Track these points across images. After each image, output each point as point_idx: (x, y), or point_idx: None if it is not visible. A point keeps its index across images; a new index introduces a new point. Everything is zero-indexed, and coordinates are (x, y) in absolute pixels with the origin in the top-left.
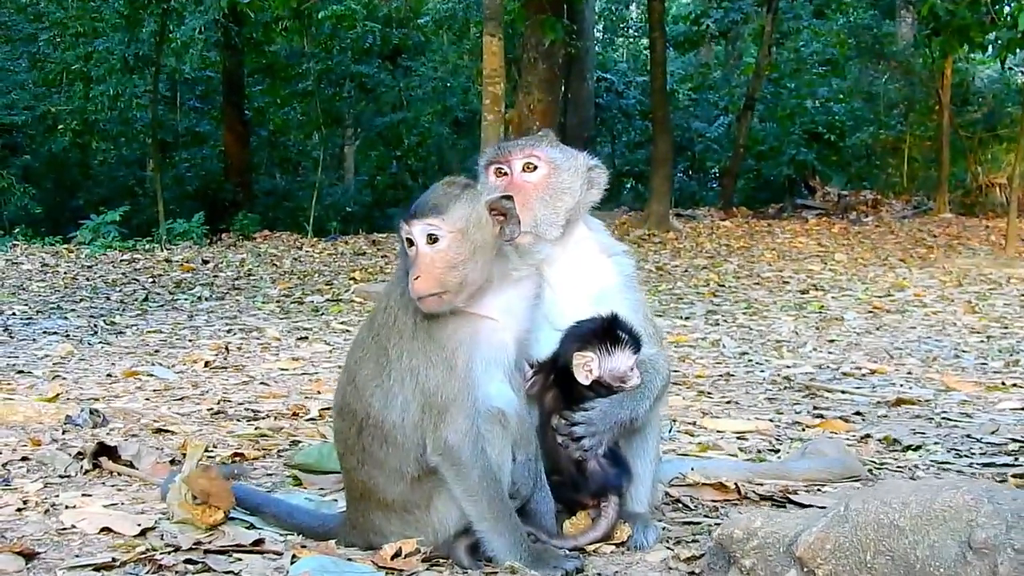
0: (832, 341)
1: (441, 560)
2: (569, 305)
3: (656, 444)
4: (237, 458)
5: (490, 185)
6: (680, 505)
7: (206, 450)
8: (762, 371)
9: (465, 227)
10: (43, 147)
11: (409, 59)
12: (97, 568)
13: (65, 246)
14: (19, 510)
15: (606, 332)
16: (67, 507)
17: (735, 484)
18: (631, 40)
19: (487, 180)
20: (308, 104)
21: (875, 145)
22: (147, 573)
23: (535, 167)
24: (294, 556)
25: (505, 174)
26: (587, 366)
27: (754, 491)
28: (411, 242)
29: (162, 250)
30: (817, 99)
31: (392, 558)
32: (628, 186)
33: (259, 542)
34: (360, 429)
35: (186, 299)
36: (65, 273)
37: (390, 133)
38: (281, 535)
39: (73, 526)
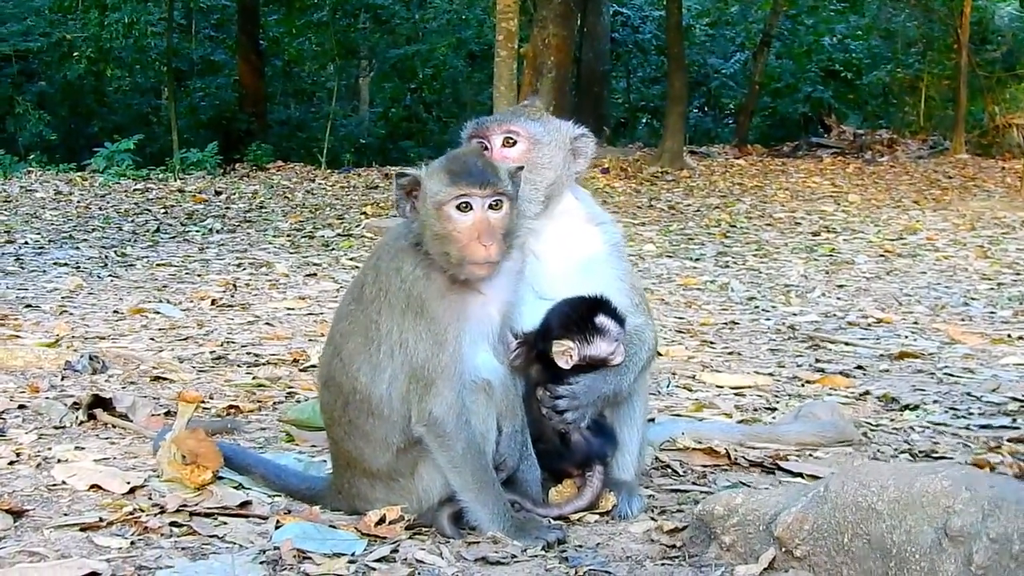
0: (841, 286)
1: (424, 528)
2: (556, 275)
3: (643, 411)
4: (232, 411)
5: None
6: (669, 471)
7: (201, 402)
8: (768, 319)
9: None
10: (58, 74)
11: None
12: (84, 528)
13: (79, 174)
14: (11, 463)
15: (587, 319)
16: (59, 461)
17: (725, 449)
18: None
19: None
20: (323, 35)
21: (892, 83)
22: (132, 535)
23: (514, 142)
24: (278, 522)
25: (486, 148)
26: (566, 353)
27: (744, 456)
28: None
29: (175, 180)
30: (834, 36)
31: (376, 524)
32: (643, 122)
33: (245, 504)
34: (346, 402)
35: (197, 231)
36: (78, 202)
37: (404, 65)
38: (269, 497)
39: (64, 482)
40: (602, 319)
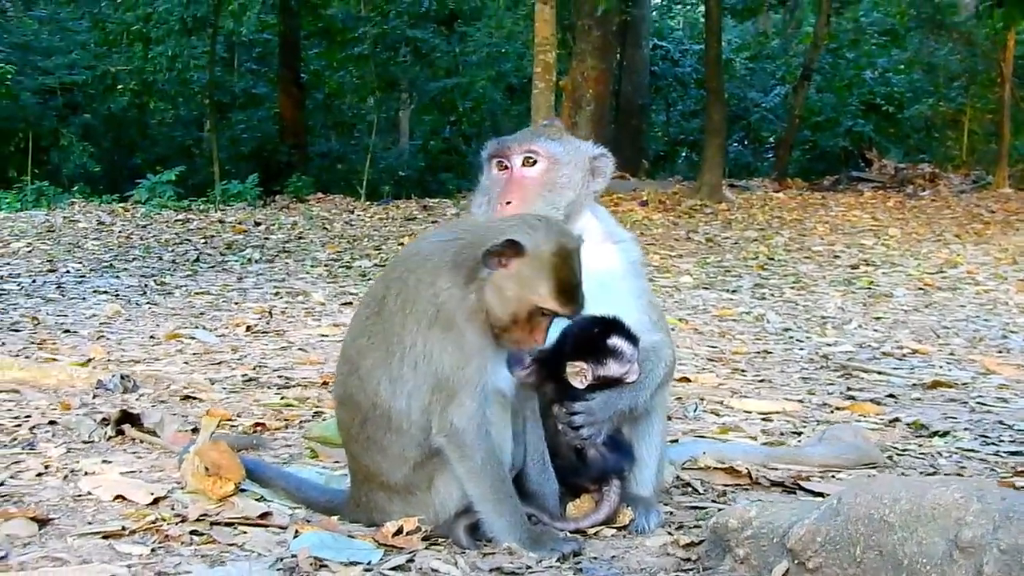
0: (878, 318)
1: (441, 539)
2: None
3: (661, 427)
4: (258, 428)
5: (493, 178)
6: (690, 489)
7: (228, 419)
8: (801, 348)
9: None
10: (103, 106)
11: (464, 24)
12: (106, 536)
13: (121, 205)
14: (39, 475)
15: (600, 340)
16: (86, 473)
17: (746, 469)
18: (688, 7)
19: (490, 172)
20: (363, 68)
21: (934, 117)
22: (154, 542)
23: (534, 161)
24: (297, 531)
25: (506, 167)
26: (580, 374)
27: (766, 476)
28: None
29: (216, 210)
30: (876, 70)
31: (393, 535)
32: (682, 155)
33: (266, 515)
34: (364, 418)
35: (236, 260)
36: (120, 232)
37: (444, 98)
38: (289, 508)
39: (89, 492)
40: (615, 340)
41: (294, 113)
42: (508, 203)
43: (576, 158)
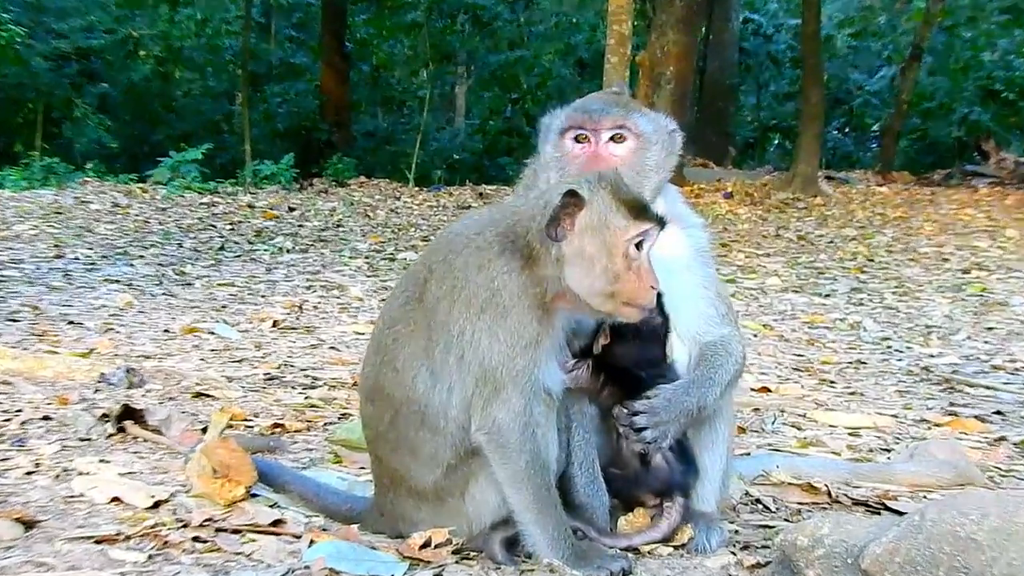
0: (990, 329)
1: (473, 553)
2: None
3: (728, 435)
4: (277, 430)
5: (568, 152)
6: (759, 506)
7: (244, 419)
8: (900, 359)
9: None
10: (122, 75)
11: None
12: (99, 541)
13: (139, 185)
14: (29, 473)
15: None
16: (80, 473)
17: (826, 486)
18: None
19: (561, 144)
20: (416, 37)
21: None
22: (151, 549)
23: (624, 138)
24: (312, 540)
25: (587, 141)
26: (602, 333)
27: (847, 495)
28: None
29: (245, 194)
30: (996, 51)
31: (420, 548)
32: (774, 142)
33: (278, 522)
34: (395, 414)
35: (266, 250)
36: (136, 215)
37: (506, 73)
38: (305, 516)
39: (82, 494)
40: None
41: (337, 87)
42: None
43: (662, 136)
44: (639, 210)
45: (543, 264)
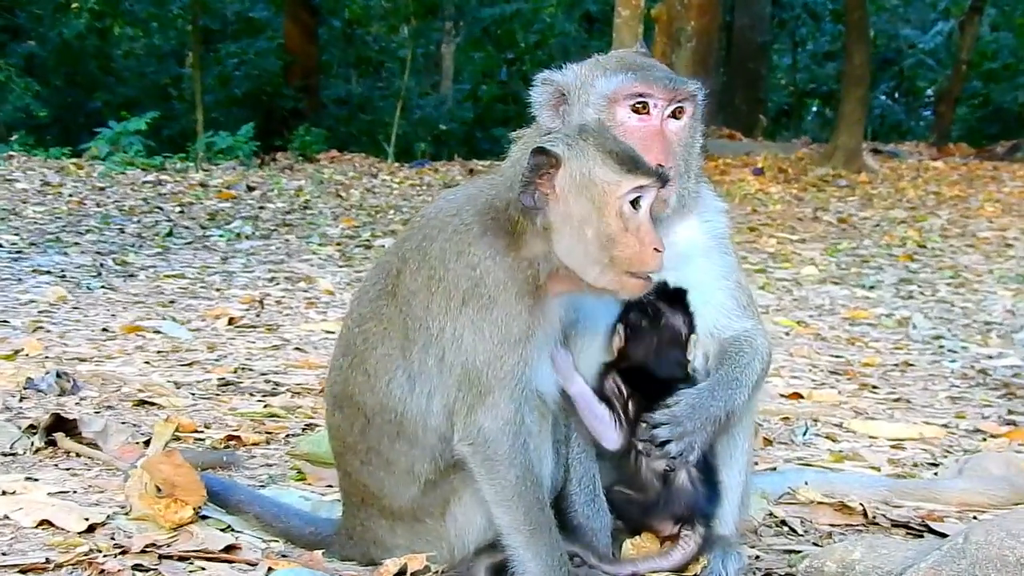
0: None
1: None
2: None
3: (748, 446)
4: (231, 443)
5: (623, 124)
6: (785, 529)
7: (194, 431)
8: (953, 361)
9: None
10: (52, 31)
11: None
12: (24, 570)
13: (74, 160)
14: None
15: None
16: (3, 493)
17: (861, 505)
18: None
19: (612, 112)
20: None
21: None
22: None
23: (683, 113)
24: (269, 568)
25: (646, 113)
26: (617, 334)
27: (886, 515)
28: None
29: (197, 171)
30: None
31: None
32: (812, 110)
33: (231, 548)
34: (367, 423)
35: (221, 236)
36: (71, 196)
37: (501, 29)
38: (263, 541)
39: (6, 516)
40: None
41: (304, 46)
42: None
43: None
44: (631, 162)
45: (530, 240)
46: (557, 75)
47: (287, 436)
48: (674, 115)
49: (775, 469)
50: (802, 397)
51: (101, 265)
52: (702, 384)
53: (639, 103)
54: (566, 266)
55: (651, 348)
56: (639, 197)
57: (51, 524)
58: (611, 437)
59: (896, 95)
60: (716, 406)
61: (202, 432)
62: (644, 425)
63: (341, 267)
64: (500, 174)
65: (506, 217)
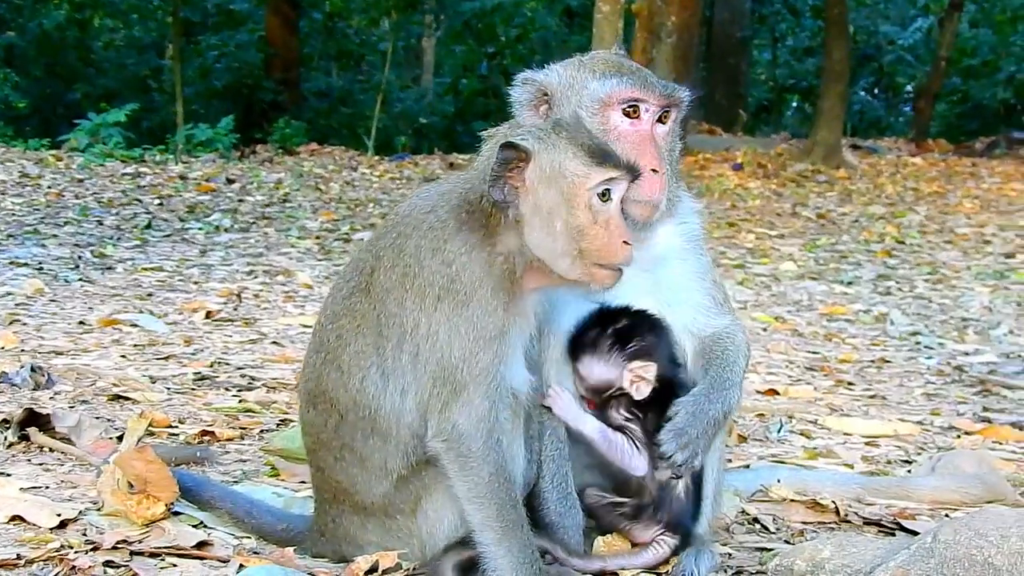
0: None
1: None
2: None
3: (720, 444)
4: (205, 438)
5: (615, 128)
6: (757, 527)
7: (168, 426)
8: (929, 357)
9: None
10: (32, 22)
11: None
12: None
13: (53, 152)
14: None
15: (638, 330)
16: None
17: (834, 502)
18: None
19: (605, 116)
20: None
21: None
22: (57, 575)
23: (668, 118)
24: (241, 564)
25: (637, 117)
26: (639, 381)
27: (858, 513)
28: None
29: (177, 163)
30: None
31: (366, 574)
32: (792, 105)
33: (203, 544)
34: (340, 419)
35: (200, 229)
36: (49, 187)
37: (482, 23)
38: (235, 537)
39: None
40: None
41: (284, 38)
42: (654, 172)
43: None
44: (601, 155)
45: (504, 234)
46: (540, 75)
47: (261, 432)
48: (661, 119)
49: (748, 466)
50: (778, 393)
51: (79, 257)
52: (696, 389)
53: (631, 107)
54: (537, 256)
55: (664, 364)
56: (609, 190)
57: (23, 520)
58: (637, 464)
59: (875, 91)
60: (714, 409)
61: (176, 427)
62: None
63: (320, 260)
64: (473, 170)
65: (480, 212)
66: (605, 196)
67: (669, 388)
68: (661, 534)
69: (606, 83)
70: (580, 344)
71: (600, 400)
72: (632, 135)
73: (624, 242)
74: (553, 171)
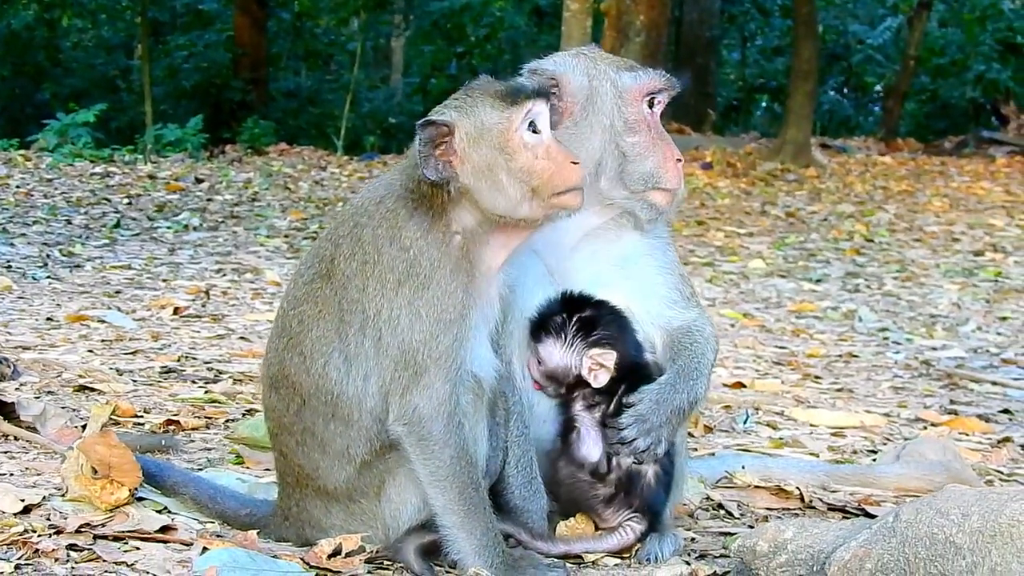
0: (1004, 319)
1: (388, 563)
2: (585, 268)
3: (683, 432)
4: (170, 427)
5: (645, 119)
6: (721, 512)
7: (133, 415)
8: (897, 352)
9: None
10: (0, 22)
11: None
12: None
13: (21, 152)
14: None
15: (600, 317)
16: None
17: (798, 489)
18: None
19: (638, 108)
20: None
21: None
22: (20, 559)
23: (660, 103)
24: (204, 548)
25: (653, 107)
26: (599, 368)
27: (822, 499)
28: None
29: (146, 163)
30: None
31: (329, 557)
32: (761, 105)
33: (166, 528)
34: (303, 404)
35: (169, 227)
36: (17, 187)
37: (450, 23)
38: (198, 522)
39: None
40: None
41: (253, 38)
42: (679, 161)
43: None
44: (511, 94)
45: (455, 211)
46: (549, 64)
47: (227, 421)
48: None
49: (713, 455)
50: (744, 386)
51: (47, 256)
52: (663, 378)
53: (654, 98)
54: (499, 216)
55: (627, 353)
56: (533, 121)
57: None
58: (587, 452)
59: (845, 90)
60: (679, 399)
61: (142, 417)
62: (612, 431)
63: (289, 259)
64: (409, 156)
65: (424, 196)
66: (533, 128)
67: (635, 379)
68: (629, 519)
69: (639, 76)
70: (543, 328)
71: (563, 388)
72: (655, 125)
73: (572, 162)
74: (478, 130)
